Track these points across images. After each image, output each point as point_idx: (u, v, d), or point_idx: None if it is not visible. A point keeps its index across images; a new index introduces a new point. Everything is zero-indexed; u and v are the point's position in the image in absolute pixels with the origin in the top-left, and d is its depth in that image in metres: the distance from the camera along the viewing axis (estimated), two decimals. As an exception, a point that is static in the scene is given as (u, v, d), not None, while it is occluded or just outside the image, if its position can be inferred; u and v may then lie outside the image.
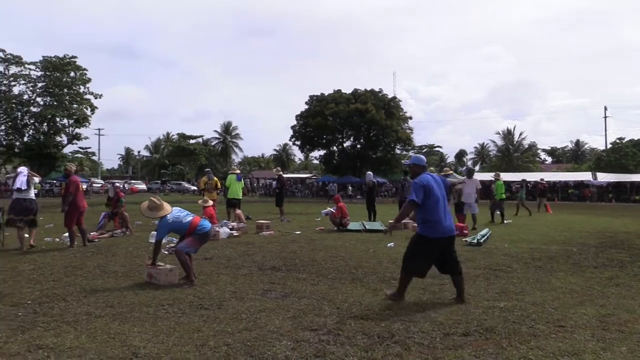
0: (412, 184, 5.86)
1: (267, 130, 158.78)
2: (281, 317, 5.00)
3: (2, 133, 38.32)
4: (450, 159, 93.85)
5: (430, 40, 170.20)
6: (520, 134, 74.31)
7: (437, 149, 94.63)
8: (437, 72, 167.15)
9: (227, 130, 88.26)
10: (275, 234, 12.61)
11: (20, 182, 10.17)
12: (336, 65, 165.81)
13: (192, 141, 78.22)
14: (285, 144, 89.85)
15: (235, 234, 12.09)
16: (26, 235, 10.19)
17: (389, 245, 10.40)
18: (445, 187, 5.98)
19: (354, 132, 53.57)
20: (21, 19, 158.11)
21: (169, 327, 4.65)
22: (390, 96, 54.42)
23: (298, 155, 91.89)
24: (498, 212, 17.06)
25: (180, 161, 76.37)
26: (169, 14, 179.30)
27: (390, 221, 6.15)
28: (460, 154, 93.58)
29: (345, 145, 55.67)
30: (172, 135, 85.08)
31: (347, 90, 54.33)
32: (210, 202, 13.55)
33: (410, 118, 56.20)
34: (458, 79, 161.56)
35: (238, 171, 17.11)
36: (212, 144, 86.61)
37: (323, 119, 51.04)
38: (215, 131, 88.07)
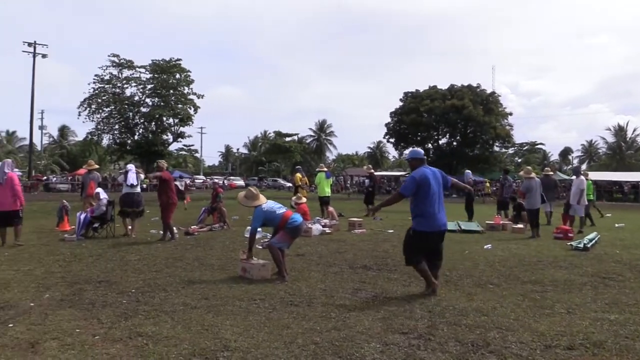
0: (408, 177, 6.16)
1: (361, 127, 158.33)
2: (371, 317, 4.91)
3: (116, 132, 41.40)
4: (554, 157, 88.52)
5: (532, 31, 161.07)
6: (634, 130, 68.47)
7: (539, 146, 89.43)
8: (539, 65, 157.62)
9: (322, 128, 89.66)
10: (367, 232, 12.52)
11: (132, 178, 11.37)
12: (432, 61, 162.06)
13: (287, 139, 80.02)
14: (379, 142, 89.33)
15: (327, 231, 12.15)
16: (129, 227, 11.21)
17: (485, 247, 9.95)
18: (445, 182, 6.17)
19: (450, 129, 52.21)
20: (128, 24, 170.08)
21: (260, 322, 4.72)
22: (488, 91, 52.41)
23: (392, 152, 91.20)
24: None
25: (276, 158, 78.41)
26: (264, 14, 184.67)
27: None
28: (565, 152, 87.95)
29: (440, 142, 54.41)
30: (269, 134, 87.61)
31: (443, 86, 53.06)
32: (304, 199, 13.76)
33: (510, 114, 53.81)
34: (563, 72, 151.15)
35: (326, 169, 17.25)
36: (307, 141, 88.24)
37: (418, 115, 50.19)
38: (310, 129, 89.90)
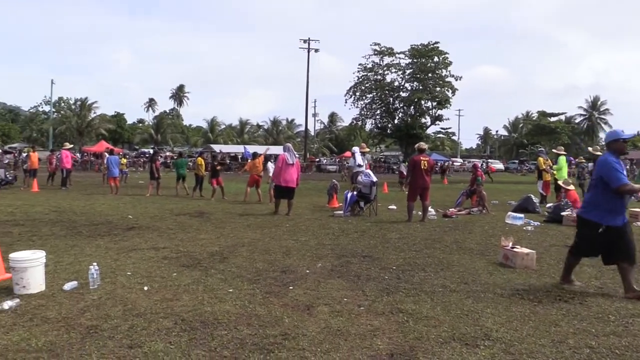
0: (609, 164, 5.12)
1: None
2: (662, 326, 4.15)
3: (377, 117, 43.77)
4: None
5: None
6: None
7: None
8: None
9: (594, 105, 79.70)
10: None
11: (359, 159, 13.11)
12: None
13: (553, 119, 73.47)
14: (675, 117, 75.20)
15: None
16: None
17: None
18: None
19: None
20: (387, 14, 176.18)
21: (524, 315, 4.41)
22: None
23: (693, 130, 76.07)
24: None
25: (539, 140, 72.85)
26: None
27: None
28: None
29: None
30: (532, 114, 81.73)
31: None
32: (572, 187, 12.53)
33: None
34: None
35: (564, 152, 15.51)
36: (576, 121, 79.63)
37: None
38: (580, 107, 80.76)
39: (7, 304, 4.37)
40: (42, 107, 78.68)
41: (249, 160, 16.01)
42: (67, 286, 4.99)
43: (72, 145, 26.72)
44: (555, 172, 14.88)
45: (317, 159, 56.59)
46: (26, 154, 26.75)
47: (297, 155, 12.41)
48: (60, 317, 4.17)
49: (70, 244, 7.43)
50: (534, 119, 78.30)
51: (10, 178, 19.40)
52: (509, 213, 11.09)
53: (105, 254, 6.76)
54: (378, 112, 43.47)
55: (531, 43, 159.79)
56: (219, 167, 16.31)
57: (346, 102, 43.70)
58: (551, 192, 15.43)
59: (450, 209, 12.28)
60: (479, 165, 16.23)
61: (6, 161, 29.47)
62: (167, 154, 52.24)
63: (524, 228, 9.86)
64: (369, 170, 12.71)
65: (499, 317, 4.34)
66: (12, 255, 4.91)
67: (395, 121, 43.27)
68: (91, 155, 44.13)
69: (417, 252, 7.26)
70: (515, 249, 6.49)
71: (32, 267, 4.83)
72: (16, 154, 39.06)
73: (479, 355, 3.53)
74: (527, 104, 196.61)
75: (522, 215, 10.90)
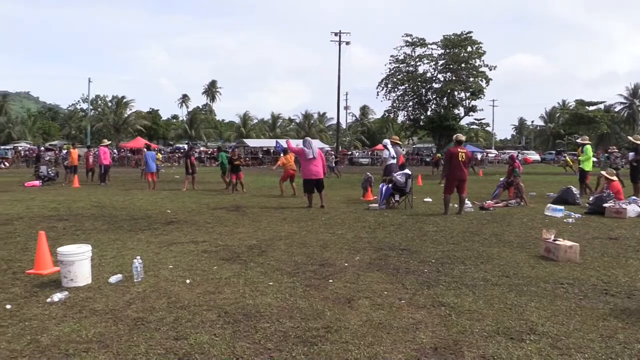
0: None
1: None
2: None
3: (410, 108, 43.27)
4: None
5: None
6: None
7: None
8: None
9: (636, 93, 77.08)
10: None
11: (393, 151, 12.96)
12: None
13: (591, 108, 71.41)
14: None
15: (646, 214, 10.40)
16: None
17: None
18: None
19: None
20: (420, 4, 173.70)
21: (569, 309, 4.32)
22: None
23: None
24: None
25: (577, 130, 70.94)
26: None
27: None
28: None
29: None
30: (569, 103, 79.60)
31: None
32: (615, 177, 12.18)
33: None
34: None
35: (589, 142, 15.20)
36: (616, 109, 77.20)
37: None
38: (620, 95, 78.25)
39: (57, 296, 4.52)
40: (80, 105, 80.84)
41: (281, 156, 16.05)
42: (113, 279, 5.13)
43: (110, 142, 27.36)
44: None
45: (349, 152, 56.45)
46: (66, 150, 27.50)
47: (318, 147, 12.54)
48: (107, 309, 4.28)
49: (113, 238, 7.62)
50: (571, 108, 76.25)
51: (52, 174, 20.01)
52: (549, 205, 10.85)
53: (146, 248, 6.91)
54: (410, 103, 42.99)
55: (569, 30, 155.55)
56: (237, 162, 16.37)
57: (378, 95, 43.39)
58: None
59: (487, 201, 12.10)
60: (516, 156, 15.91)
61: (47, 158, 30.35)
62: (202, 149, 52.92)
63: (565, 220, 9.63)
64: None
65: (543, 311, 4.26)
66: (60, 250, 5.07)
67: (428, 113, 42.72)
68: (127, 151, 45.13)
69: (455, 245, 7.18)
70: (557, 242, 6.34)
71: (78, 260, 4.98)
72: (57, 151, 40.20)
73: (525, 349, 3.47)
74: (564, 92, 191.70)
75: (562, 207, 10.65)
